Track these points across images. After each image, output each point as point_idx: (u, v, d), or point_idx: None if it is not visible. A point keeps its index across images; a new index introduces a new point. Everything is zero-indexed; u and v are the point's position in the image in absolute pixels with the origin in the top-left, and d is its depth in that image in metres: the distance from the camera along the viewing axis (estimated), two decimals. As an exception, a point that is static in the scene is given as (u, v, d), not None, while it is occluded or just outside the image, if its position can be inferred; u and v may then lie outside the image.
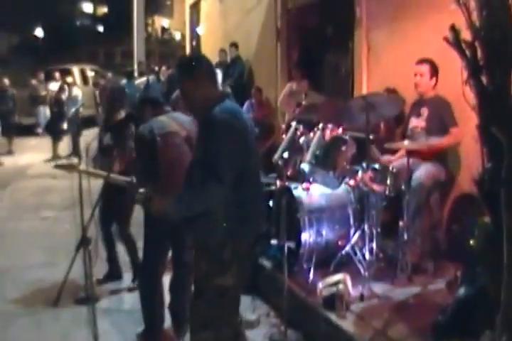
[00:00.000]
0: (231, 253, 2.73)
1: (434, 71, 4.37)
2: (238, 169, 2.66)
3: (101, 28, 30.54)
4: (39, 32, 28.34)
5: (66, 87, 12.42)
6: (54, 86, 13.52)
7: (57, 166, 4.20)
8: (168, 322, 3.81)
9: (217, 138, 2.64)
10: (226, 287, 2.75)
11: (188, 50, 14.39)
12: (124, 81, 12.24)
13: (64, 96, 12.20)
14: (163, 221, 3.10)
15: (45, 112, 14.20)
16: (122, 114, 4.77)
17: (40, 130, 14.45)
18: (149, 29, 20.91)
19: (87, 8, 30.68)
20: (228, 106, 2.76)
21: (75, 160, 4.20)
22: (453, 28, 2.47)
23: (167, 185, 3.31)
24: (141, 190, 2.81)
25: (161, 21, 22.64)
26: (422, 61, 4.40)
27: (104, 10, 31.09)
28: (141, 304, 3.72)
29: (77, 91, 12.64)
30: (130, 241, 4.87)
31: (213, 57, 11.08)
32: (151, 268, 3.72)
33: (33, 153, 12.45)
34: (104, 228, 4.81)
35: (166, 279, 3.85)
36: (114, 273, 5.01)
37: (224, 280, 2.74)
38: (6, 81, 12.97)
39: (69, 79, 13.94)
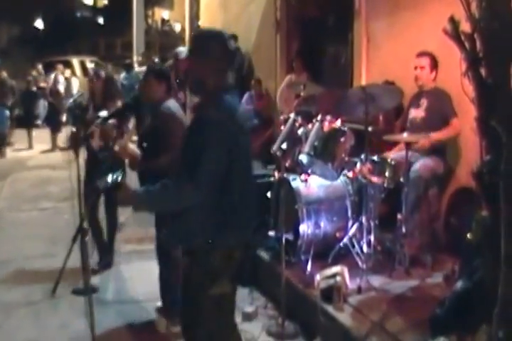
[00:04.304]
0: (221, 260, 2.52)
1: (435, 64, 4.35)
2: None
3: (101, 20, 30.38)
4: (39, 23, 28.20)
5: (61, 78, 12.33)
6: (51, 78, 13.48)
7: None
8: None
9: None
10: (220, 296, 2.55)
11: (187, 42, 14.34)
12: (123, 74, 12.20)
13: (61, 87, 12.15)
14: None
15: (44, 104, 14.17)
16: (119, 103, 4.85)
17: (39, 121, 14.42)
18: (149, 21, 20.81)
19: (88, -1, 30.60)
20: None
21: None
22: (452, 20, 2.46)
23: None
24: (109, 177, 2.57)
25: (161, 13, 22.52)
26: (422, 54, 4.37)
27: (104, 2, 30.94)
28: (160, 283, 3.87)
29: (75, 83, 12.59)
30: (114, 220, 5.00)
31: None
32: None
33: (33, 144, 12.42)
34: (92, 212, 4.77)
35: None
36: (107, 261, 4.99)
37: (217, 289, 2.53)
38: (4, 73, 12.90)
39: (68, 71, 13.89)
